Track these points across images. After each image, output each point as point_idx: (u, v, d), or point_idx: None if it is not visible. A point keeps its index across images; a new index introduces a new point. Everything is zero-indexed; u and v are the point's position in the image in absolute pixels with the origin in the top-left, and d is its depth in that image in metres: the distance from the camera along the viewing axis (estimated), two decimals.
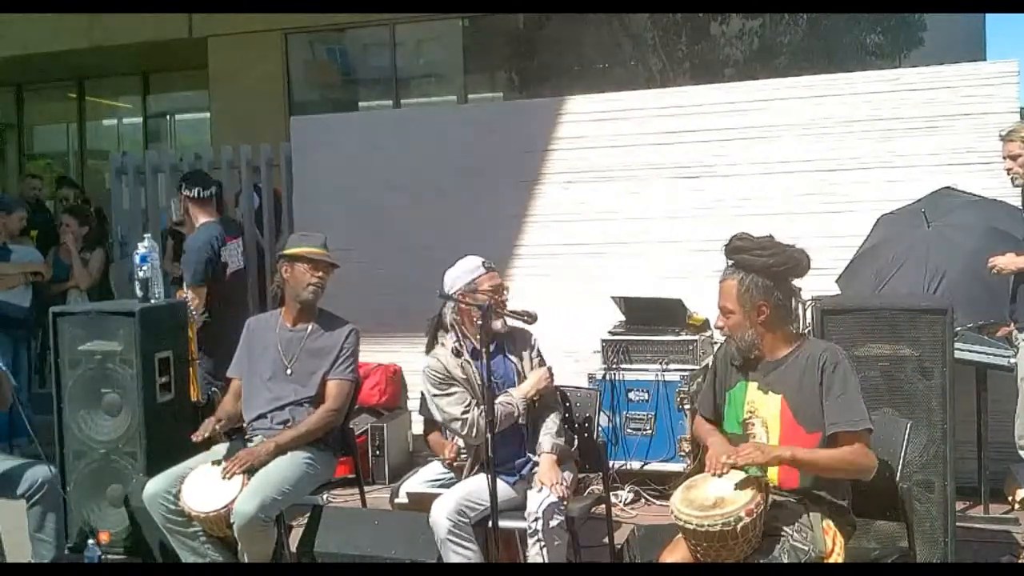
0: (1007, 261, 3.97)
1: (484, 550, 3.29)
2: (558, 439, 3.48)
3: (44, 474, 3.65)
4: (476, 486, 3.31)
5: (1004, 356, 4.17)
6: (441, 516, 3.21)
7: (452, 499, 3.27)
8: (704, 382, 3.12)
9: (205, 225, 5.02)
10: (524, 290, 5.50)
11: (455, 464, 3.78)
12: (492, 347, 3.41)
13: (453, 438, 3.98)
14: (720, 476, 2.61)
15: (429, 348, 3.75)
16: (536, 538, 3.20)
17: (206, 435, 3.53)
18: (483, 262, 3.58)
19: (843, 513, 2.73)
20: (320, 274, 3.75)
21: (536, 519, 3.20)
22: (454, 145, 5.89)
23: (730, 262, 2.82)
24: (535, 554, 3.20)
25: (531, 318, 3.49)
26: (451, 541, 3.19)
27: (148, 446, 3.94)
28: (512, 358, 3.56)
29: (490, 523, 3.20)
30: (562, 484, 3.27)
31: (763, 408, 2.77)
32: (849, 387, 2.68)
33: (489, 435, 3.11)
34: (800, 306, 3.41)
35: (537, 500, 3.24)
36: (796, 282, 2.85)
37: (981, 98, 4.94)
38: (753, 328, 2.76)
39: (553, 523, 3.20)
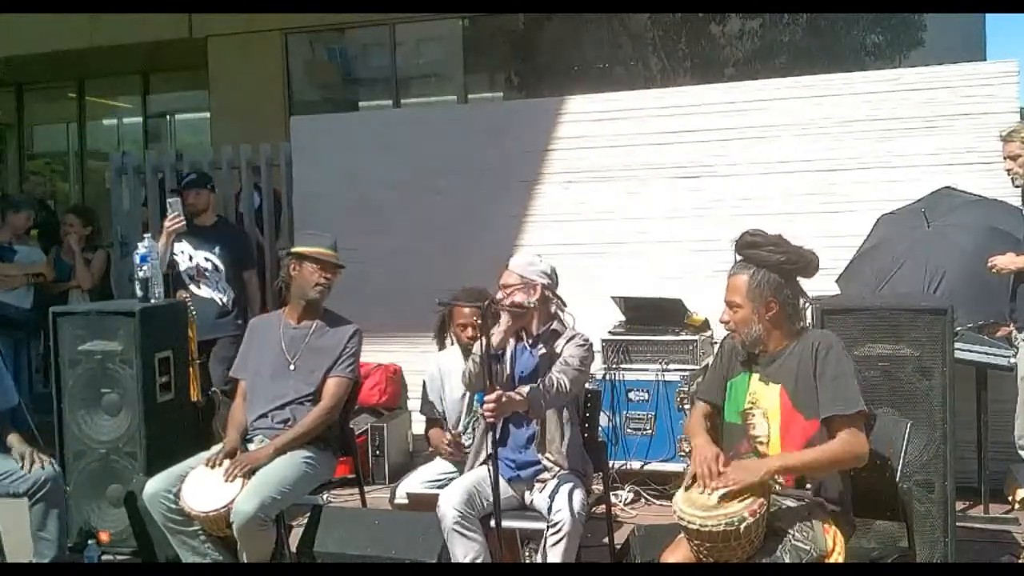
0: (1007, 261, 3.97)
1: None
2: (540, 387, 3.28)
3: (47, 472, 3.65)
4: (484, 477, 3.31)
5: (1004, 356, 4.17)
6: (449, 507, 3.21)
7: (461, 488, 3.28)
8: (711, 371, 3.10)
9: None
10: None
11: (456, 445, 3.79)
12: (527, 340, 3.47)
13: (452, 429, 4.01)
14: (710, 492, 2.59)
15: (439, 343, 3.92)
16: (560, 535, 3.15)
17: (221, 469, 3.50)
18: (509, 260, 3.54)
19: (843, 513, 2.74)
20: (328, 274, 3.77)
21: (563, 517, 3.16)
22: (454, 145, 5.89)
23: (739, 258, 2.82)
24: (551, 548, 3.17)
25: (519, 307, 3.36)
26: (457, 532, 3.19)
27: (148, 446, 3.95)
28: (540, 352, 3.48)
29: (492, 522, 3.21)
30: (493, 403, 3.12)
31: (764, 399, 2.78)
32: (842, 370, 2.69)
33: (492, 432, 3.11)
34: (809, 305, 3.42)
35: (569, 502, 3.20)
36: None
37: (981, 98, 4.95)
38: (760, 324, 2.77)
39: (570, 521, 3.16)
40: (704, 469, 2.61)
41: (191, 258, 5.24)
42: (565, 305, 3.56)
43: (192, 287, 5.17)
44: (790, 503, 2.68)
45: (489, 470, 3.18)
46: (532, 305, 3.37)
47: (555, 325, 3.51)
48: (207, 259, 5.23)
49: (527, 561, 3.52)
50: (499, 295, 3.38)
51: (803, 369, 2.73)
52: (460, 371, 3.59)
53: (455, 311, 3.93)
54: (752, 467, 2.60)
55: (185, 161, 6.92)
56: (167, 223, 5.05)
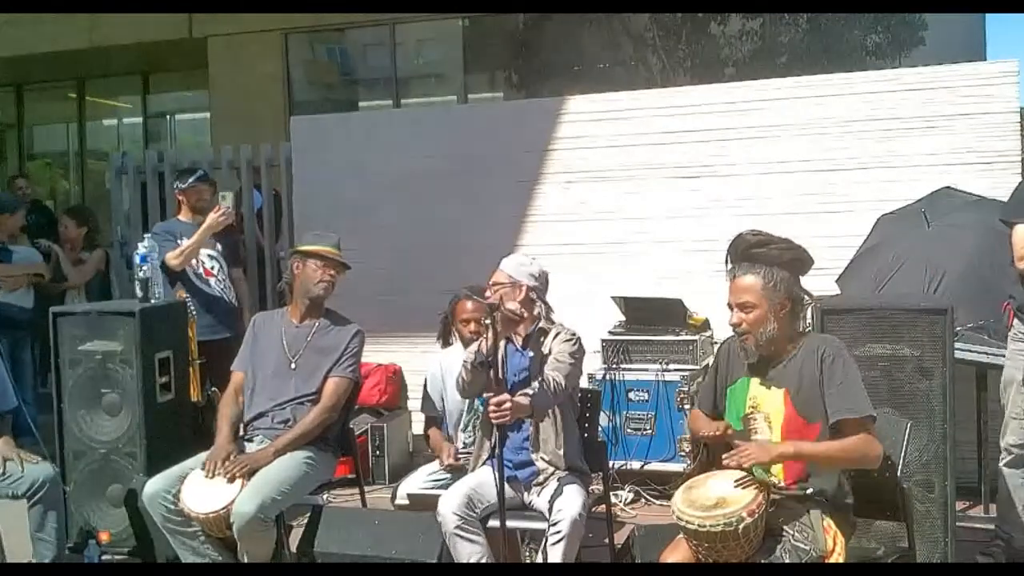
0: None
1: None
2: (538, 389, 3.29)
3: (45, 473, 3.65)
4: (483, 479, 3.32)
5: (1004, 356, 4.15)
6: (448, 511, 3.22)
7: (459, 492, 3.29)
8: (704, 380, 3.13)
9: None
10: None
11: (456, 462, 3.80)
12: (517, 343, 3.47)
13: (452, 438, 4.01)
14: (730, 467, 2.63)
15: (443, 341, 3.94)
16: (560, 536, 3.16)
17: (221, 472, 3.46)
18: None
19: (844, 513, 2.74)
20: (332, 272, 3.78)
21: (564, 518, 3.17)
22: (454, 145, 5.89)
23: (730, 261, 2.82)
24: (551, 548, 3.17)
25: (513, 314, 3.36)
26: (458, 536, 3.20)
27: (148, 446, 3.94)
28: (531, 353, 3.49)
29: (492, 522, 3.21)
30: (499, 408, 3.11)
31: (765, 403, 2.78)
32: (850, 376, 2.70)
33: (497, 431, 3.10)
34: (811, 303, 3.43)
35: (571, 502, 3.21)
36: None
37: (980, 98, 4.94)
38: (775, 322, 2.76)
39: (571, 521, 3.17)
40: (712, 430, 2.69)
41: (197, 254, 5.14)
42: (551, 311, 3.55)
43: (202, 285, 5.08)
44: (790, 503, 2.68)
45: (493, 470, 3.17)
46: (521, 313, 3.37)
47: (542, 324, 3.52)
48: (211, 256, 5.14)
49: (527, 561, 3.52)
50: (487, 292, 3.39)
51: (807, 373, 2.73)
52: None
53: (459, 306, 3.94)
54: (766, 447, 2.63)
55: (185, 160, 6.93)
56: (216, 215, 4.86)
